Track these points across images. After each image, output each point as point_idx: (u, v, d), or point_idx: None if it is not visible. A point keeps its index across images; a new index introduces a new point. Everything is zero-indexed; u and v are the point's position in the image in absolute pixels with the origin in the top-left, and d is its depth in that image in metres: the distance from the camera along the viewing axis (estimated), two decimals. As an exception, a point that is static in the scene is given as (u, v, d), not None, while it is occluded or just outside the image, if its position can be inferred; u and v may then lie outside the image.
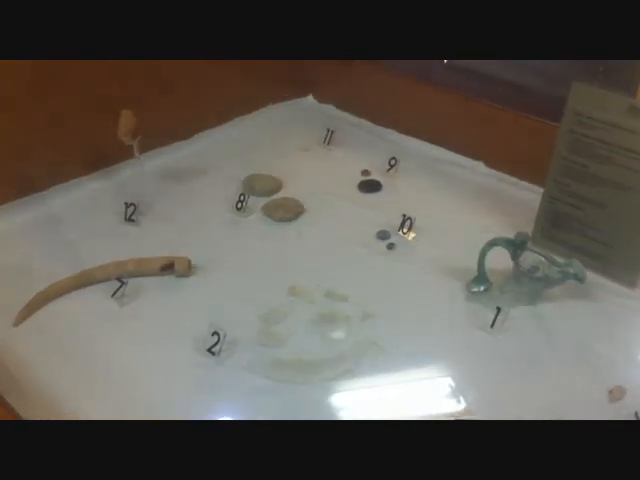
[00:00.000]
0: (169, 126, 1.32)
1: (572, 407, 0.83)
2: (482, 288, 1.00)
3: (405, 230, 1.13)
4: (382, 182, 1.29)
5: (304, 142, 1.42)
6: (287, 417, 0.81)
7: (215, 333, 0.88)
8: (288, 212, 1.18)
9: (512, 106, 1.27)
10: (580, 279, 0.96)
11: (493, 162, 1.32)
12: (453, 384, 0.87)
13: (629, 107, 0.97)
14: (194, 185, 1.27)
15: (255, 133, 1.45)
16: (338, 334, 0.95)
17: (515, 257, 0.98)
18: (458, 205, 1.24)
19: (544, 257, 0.98)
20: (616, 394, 0.85)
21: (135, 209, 1.14)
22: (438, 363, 0.91)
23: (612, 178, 1.02)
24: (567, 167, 1.06)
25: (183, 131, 1.38)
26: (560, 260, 0.99)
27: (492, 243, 0.99)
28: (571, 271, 0.96)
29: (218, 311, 0.96)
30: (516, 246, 0.97)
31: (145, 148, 1.24)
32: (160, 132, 1.30)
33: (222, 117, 1.45)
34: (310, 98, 1.60)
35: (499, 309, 0.93)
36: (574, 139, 1.05)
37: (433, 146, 1.39)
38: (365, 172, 1.32)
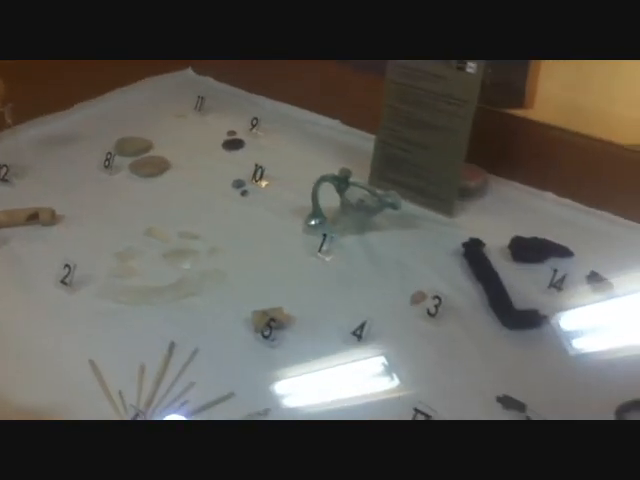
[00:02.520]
0: (48, 97, 1.40)
1: (383, 311, 0.97)
2: (317, 221, 1.13)
3: (257, 178, 1.25)
4: (245, 141, 1.41)
5: (179, 110, 1.53)
6: (130, 336, 0.92)
7: (66, 266, 0.99)
8: (154, 168, 1.29)
9: (362, 68, 1.41)
10: (395, 207, 1.09)
11: (349, 120, 1.46)
12: (283, 298, 0.98)
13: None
14: (69, 150, 1.36)
15: (133, 103, 1.56)
16: (185, 265, 1.06)
17: (340, 190, 1.11)
18: (312, 157, 1.36)
19: (367, 190, 1.11)
20: (417, 298, 0.98)
21: (8, 170, 1.23)
22: (274, 285, 1.03)
23: (431, 121, 1.16)
24: (394, 114, 1.20)
25: (61, 103, 1.46)
26: (380, 192, 1.12)
27: (321, 179, 1.11)
28: (388, 200, 1.09)
29: (78, 252, 1.06)
30: (340, 181, 1.10)
31: (24, 118, 1.33)
32: (38, 103, 1.38)
33: (102, 89, 1.54)
34: (189, 71, 1.71)
35: (325, 235, 1.06)
36: (399, 89, 1.19)
37: (297, 108, 1.52)
38: (231, 132, 1.43)
